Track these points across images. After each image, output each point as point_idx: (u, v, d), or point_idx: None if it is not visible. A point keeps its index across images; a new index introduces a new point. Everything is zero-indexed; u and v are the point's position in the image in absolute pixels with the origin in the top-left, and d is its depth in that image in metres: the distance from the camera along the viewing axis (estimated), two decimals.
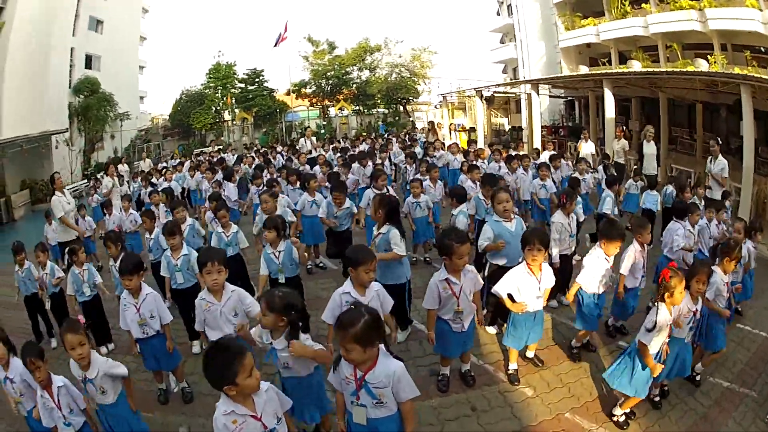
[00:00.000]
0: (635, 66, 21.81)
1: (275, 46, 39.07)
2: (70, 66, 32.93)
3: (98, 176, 21.54)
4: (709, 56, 19.35)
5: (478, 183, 10.14)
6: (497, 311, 6.80)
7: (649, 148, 14.77)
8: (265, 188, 11.36)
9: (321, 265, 10.53)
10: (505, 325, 6.15)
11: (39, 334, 8.30)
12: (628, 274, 6.43)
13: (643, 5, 22.44)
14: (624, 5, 23.45)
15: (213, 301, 4.99)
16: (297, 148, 21.72)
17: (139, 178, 19.39)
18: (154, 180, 18.68)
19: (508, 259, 6.23)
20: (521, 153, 14.62)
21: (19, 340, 6.05)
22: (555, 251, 7.29)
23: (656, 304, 4.75)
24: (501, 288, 5.54)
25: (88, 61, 36.20)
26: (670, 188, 11.69)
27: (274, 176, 13.42)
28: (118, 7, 39.08)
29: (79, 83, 33.23)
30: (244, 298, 5.10)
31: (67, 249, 7.92)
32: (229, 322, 4.97)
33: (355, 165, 13.61)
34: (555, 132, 27.68)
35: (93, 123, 33.36)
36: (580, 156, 15.66)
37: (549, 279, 5.60)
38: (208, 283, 4.95)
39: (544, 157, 14.99)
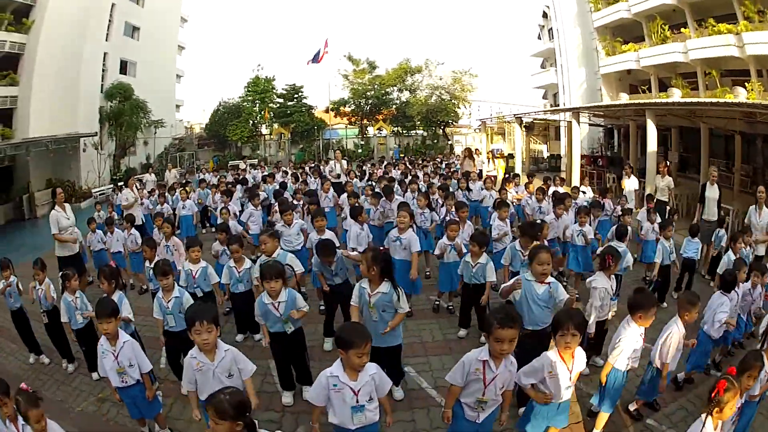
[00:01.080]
0: (675, 94, 21.51)
1: (316, 62, 39.87)
2: (103, 71, 34.22)
3: (120, 185, 21.70)
4: (746, 83, 19.78)
5: (507, 222, 10.22)
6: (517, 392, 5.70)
7: (713, 192, 12.98)
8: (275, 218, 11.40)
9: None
10: (522, 409, 5.53)
11: (35, 347, 8.43)
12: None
13: (682, 29, 22.94)
14: (664, 30, 23.85)
15: (205, 361, 4.80)
16: (325, 171, 20.90)
17: (156, 192, 18.19)
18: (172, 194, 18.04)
19: (528, 323, 5.67)
20: (563, 191, 13.88)
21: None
22: (593, 318, 6.70)
23: (704, 420, 4.20)
24: (526, 378, 4.91)
25: (123, 67, 37.35)
26: (721, 231, 11.16)
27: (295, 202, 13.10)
28: (156, 15, 40.52)
29: (111, 88, 34.02)
30: (239, 358, 4.96)
31: (61, 274, 7.79)
32: (222, 384, 4.58)
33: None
34: (594, 162, 27.35)
35: (125, 129, 34.17)
36: (623, 193, 15.52)
37: (581, 363, 4.92)
38: (198, 344, 4.74)
39: (584, 196, 14.56)
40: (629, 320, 5.56)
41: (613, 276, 6.97)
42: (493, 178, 16.62)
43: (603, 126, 29.84)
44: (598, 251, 9.16)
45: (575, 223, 10.54)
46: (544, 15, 36.40)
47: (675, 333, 5.73)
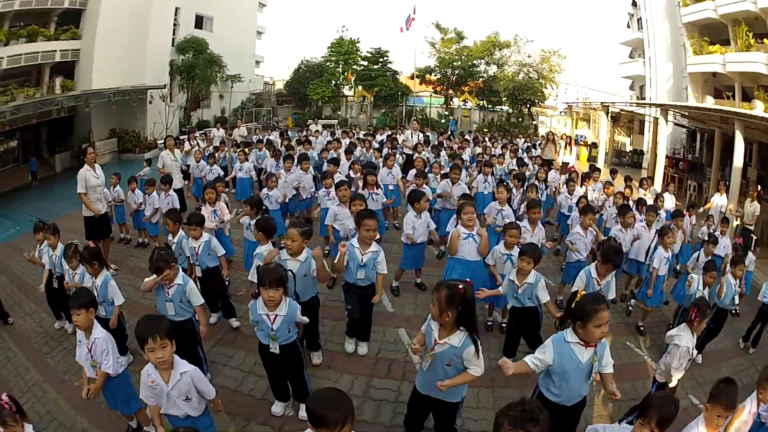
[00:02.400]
0: (758, 107, 21.27)
1: (406, 29, 41.21)
2: (175, 25, 36.26)
3: (182, 138, 20.65)
4: None
5: (590, 232, 9.24)
6: None
7: None
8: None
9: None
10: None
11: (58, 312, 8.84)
12: None
13: (765, 40, 22.71)
14: (748, 37, 23.48)
15: (158, 381, 4.56)
16: (400, 139, 20.60)
17: (208, 151, 18.15)
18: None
19: (561, 397, 4.70)
20: (643, 197, 12.90)
21: None
22: (675, 381, 6.08)
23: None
24: None
25: (199, 22, 39.63)
26: None
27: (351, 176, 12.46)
28: None
29: (183, 42, 36.03)
30: (199, 381, 4.66)
31: (65, 246, 8.01)
32: (178, 407, 4.63)
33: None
34: (675, 165, 27.08)
35: (197, 82, 36.18)
36: (709, 212, 14.79)
37: None
38: (153, 362, 4.47)
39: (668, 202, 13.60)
40: (700, 420, 4.48)
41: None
42: (574, 178, 14.64)
43: (686, 127, 29.41)
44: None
45: (658, 245, 9.18)
46: (634, 3, 36.08)
47: (746, 413, 4.80)
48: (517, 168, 15.80)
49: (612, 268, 7.04)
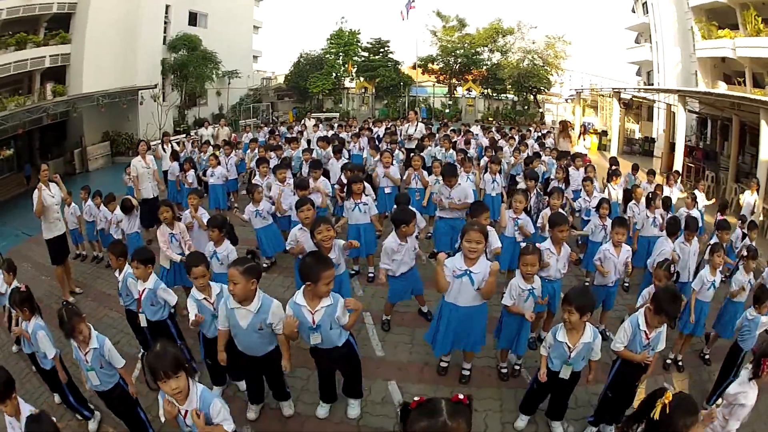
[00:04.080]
0: None
1: (405, 17, 41.78)
2: (165, 23, 35.71)
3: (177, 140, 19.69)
4: None
5: (625, 249, 7.97)
6: None
7: None
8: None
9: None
10: None
11: None
12: None
13: None
14: (757, 21, 22.96)
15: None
16: (399, 131, 19.85)
17: (182, 155, 16.92)
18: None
19: None
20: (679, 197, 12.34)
21: None
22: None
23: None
24: None
25: (193, 19, 39.18)
26: None
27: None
28: None
29: (175, 40, 35.57)
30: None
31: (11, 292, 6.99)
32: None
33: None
34: (690, 153, 25.09)
35: (192, 80, 35.68)
36: (742, 212, 13.38)
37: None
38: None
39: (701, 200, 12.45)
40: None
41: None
42: (587, 162, 14.23)
43: (697, 114, 28.15)
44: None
45: (705, 264, 7.87)
46: None
47: None
48: (525, 164, 14.38)
49: (667, 320, 5.53)
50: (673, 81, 30.29)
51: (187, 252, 8.42)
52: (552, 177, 13.96)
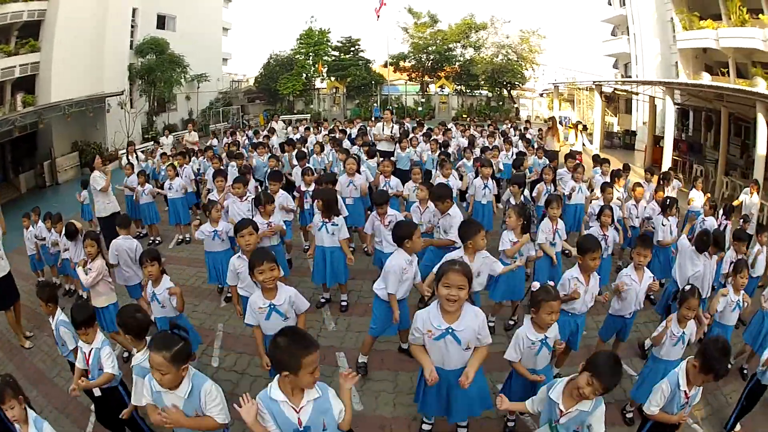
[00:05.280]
0: (761, 84, 19.86)
1: (377, 17, 41.51)
2: (132, 26, 35.01)
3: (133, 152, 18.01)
4: None
5: (648, 275, 6.85)
6: None
7: None
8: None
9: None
10: None
11: None
12: None
13: (760, 16, 22.01)
14: (742, 12, 22.69)
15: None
16: (371, 132, 18.90)
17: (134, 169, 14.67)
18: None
19: None
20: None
21: None
22: None
23: None
24: None
25: (161, 22, 38.83)
26: None
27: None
28: None
29: (142, 44, 35.15)
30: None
31: None
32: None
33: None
34: (675, 147, 23.82)
35: (160, 85, 35.20)
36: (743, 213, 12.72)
37: None
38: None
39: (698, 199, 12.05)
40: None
41: None
42: (579, 161, 13.00)
43: (679, 105, 26.69)
44: None
45: (726, 284, 7.38)
46: None
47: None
48: (514, 166, 13.37)
49: (713, 379, 4.69)
50: (652, 72, 30.42)
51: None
52: (531, 177, 13.19)
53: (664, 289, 8.60)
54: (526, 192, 10.95)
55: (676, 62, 28.30)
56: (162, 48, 35.55)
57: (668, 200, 9.66)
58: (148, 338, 5.03)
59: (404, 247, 6.36)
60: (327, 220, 8.18)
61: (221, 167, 13.29)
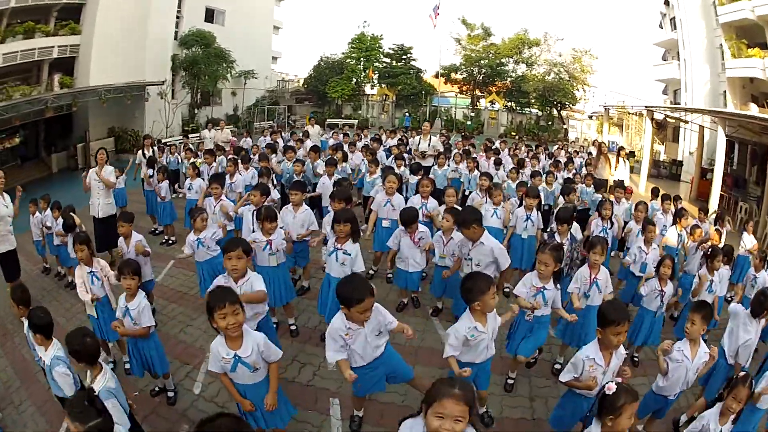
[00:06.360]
0: None
1: (433, 25, 41.08)
2: (178, 17, 35.39)
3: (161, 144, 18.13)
4: None
5: (705, 349, 5.67)
6: None
7: None
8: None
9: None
10: None
11: None
12: None
13: None
14: None
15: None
16: (411, 147, 17.32)
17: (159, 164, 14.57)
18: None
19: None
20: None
21: None
22: None
23: None
24: None
25: (210, 15, 39.24)
26: None
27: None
28: None
29: (186, 36, 35.22)
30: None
31: None
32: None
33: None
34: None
35: (203, 78, 35.25)
36: None
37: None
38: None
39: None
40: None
41: None
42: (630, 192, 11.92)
43: (727, 137, 23.99)
44: None
45: None
46: (666, 2, 35.51)
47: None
48: (562, 194, 11.65)
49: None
50: (701, 100, 29.79)
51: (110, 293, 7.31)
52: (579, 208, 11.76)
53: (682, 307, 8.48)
54: (576, 229, 9.01)
55: (724, 91, 27.81)
56: (208, 41, 35.63)
57: (711, 249, 8.31)
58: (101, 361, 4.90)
59: (473, 309, 5.24)
60: (340, 245, 7.13)
61: (236, 170, 12.67)
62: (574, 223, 8.84)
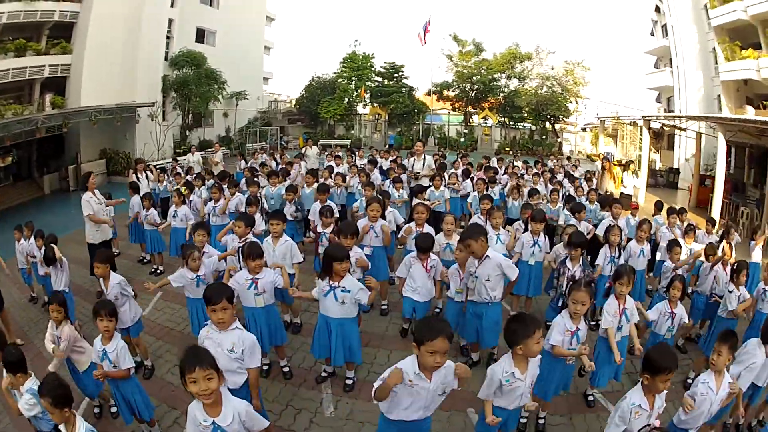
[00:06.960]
0: None
1: (422, 43, 41.05)
2: (168, 38, 35.46)
3: (158, 166, 18.25)
4: None
5: (727, 383, 5.44)
6: None
7: None
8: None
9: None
10: None
11: None
12: None
13: None
14: None
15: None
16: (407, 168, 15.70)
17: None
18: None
19: None
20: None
21: None
22: None
23: None
24: None
25: (200, 35, 39.54)
26: None
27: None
28: None
29: (177, 56, 35.30)
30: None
31: None
32: None
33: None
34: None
35: (194, 99, 35.19)
36: None
37: None
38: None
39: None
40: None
41: None
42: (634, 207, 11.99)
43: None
44: None
45: None
46: (657, 9, 35.74)
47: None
48: (570, 214, 11.24)
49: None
50: (695, 106, 30.05)
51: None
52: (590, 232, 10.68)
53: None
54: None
55: (719, 96, 27.82)
56: (198, 61, 35.72)
57: (736, 265, 8.10)
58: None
59: (514, 353, 4.85)
60: (336, 282, 6.54)
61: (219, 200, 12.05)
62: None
